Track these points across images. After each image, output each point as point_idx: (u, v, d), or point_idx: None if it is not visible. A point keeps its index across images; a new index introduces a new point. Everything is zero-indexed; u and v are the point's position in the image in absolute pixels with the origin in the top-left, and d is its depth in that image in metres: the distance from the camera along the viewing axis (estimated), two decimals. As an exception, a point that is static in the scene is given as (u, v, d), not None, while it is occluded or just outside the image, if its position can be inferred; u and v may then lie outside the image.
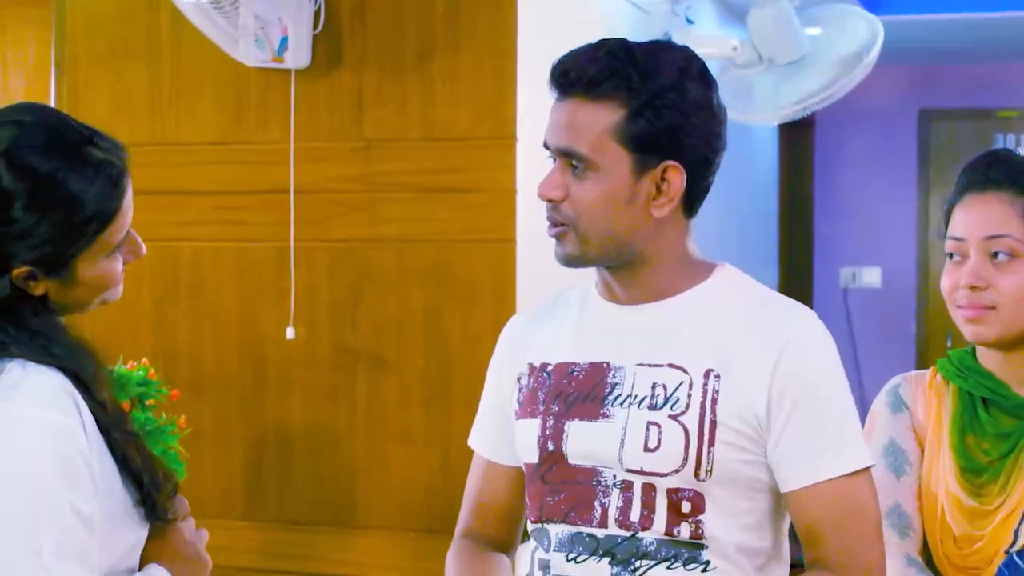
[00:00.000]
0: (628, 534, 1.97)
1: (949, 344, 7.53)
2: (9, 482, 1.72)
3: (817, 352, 1.99)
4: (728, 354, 1.97)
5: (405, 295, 3.86)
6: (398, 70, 3.85)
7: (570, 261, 2.02)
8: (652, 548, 1.96)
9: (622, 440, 1.97)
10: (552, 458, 2.03)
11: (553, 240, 2.04)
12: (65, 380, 1.79)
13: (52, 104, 3.95)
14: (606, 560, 1.98)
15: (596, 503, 1.99)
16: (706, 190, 2.04)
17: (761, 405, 1.95)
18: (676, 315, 2.02)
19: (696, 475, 1.95)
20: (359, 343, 3.91)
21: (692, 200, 2.03)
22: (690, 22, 4.81)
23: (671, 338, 2.01)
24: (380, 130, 3.88)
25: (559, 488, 2.03)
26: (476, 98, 3.79)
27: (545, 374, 2.08)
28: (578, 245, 2.00)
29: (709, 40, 4.52)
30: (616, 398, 2.00)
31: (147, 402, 3.39)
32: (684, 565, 1.96)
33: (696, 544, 1.96)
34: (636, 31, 4.48)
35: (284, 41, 3.79)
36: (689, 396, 1.96)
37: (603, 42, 2.00)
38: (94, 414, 1.81)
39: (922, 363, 7.67)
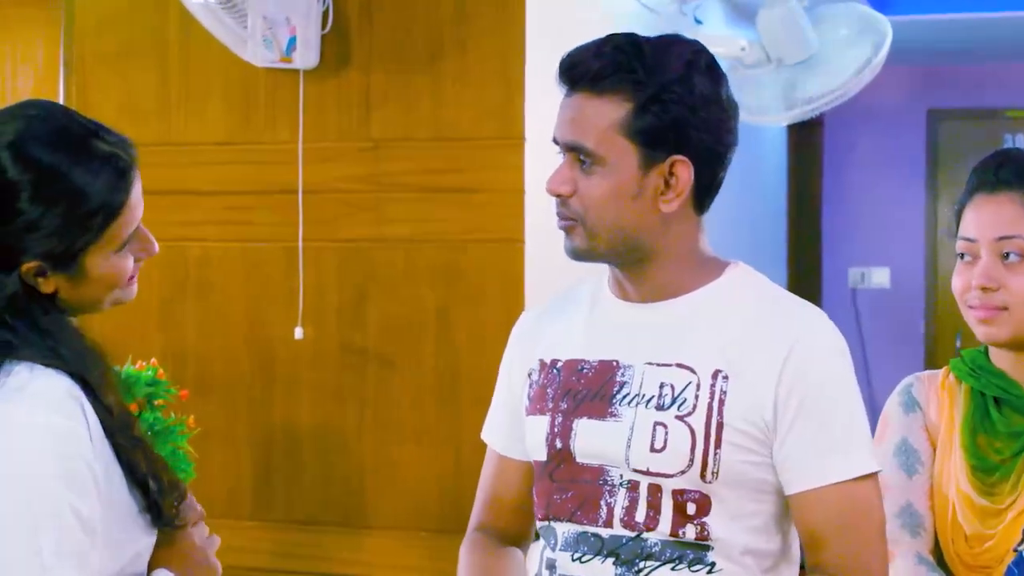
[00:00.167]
0: (632, 535, 1.96)
1: (959, 344, 7.53)
2: (9, 482, 1.72)
3: (827, 352, 1.98)
4: (737, 353, 1.96)
5: (414, 295, 3.86)
6: (406, 70, 3.85)
7: (578, 255, 2.01)
8: (656, 549, 1.95)
9: (629, 440, 1.96)
10: (560, 456, 2.03)
11: (561, 240, 2.03)
12: (72, 384, 1.78)
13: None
14: (610, 560, 1.97)
15: (602, 502, 1.98)
16: (717, 186, 2.03)
17: (768, 405, 1.93)
18: (687, 314, 2.01)
19: (702, 476, 1.94)
20: (368, 343, 3.91)
21: (702, 196, 2.01)
22: (698, 22, 4.80)
23: (681, 337, 1.99)
24: (388, 130, 3.88)
25: (566, 486, 2.02)
26: (484, 98, 3.79)
27: (555, 370, 2.07)
28: (586, 239, 1.99)
29: (717, 40, 4.51)
30: (624, 397, 1.99)
31: (156, 402, 3.40)
32: (689, 566, 1.94)
33: (702, 545, 1.94)
34: (645, 31, 4.47)
35: (292, 41, 3.79)
36: (696, 397, 1.95)
37: (611, 36, 1.99)
38: (100, 418, 1.80)
39: (931, 363, 7.65)
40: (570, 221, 2.00)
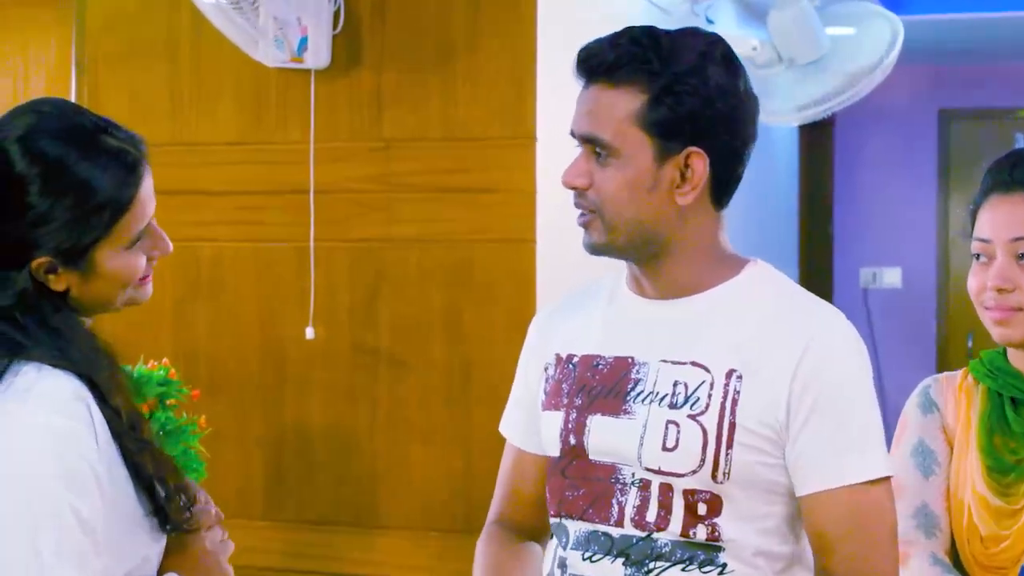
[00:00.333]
0: (643, 534, 1.94)
1: (970, 344, 7.51)
2: (10, 482, 1.71)
3: (842, 352, 1.96)
4: (753, 352, 1.94)
5: (425, 295, 3.86)
6: (418, 70, 3.85)
7: (596, 250, 2.00)
8: (667, 549, 1.93)
9: (641, 438, 1.95)
10: (573, 452, 2.02)
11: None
12: (79, 385, 1.78)
13: (73, 104, 3.96)
14: (620, 561, 1.96)
15: (614, 501, 1.97)
16: (736, 180, 2.01)
17: (782, 404, 1.91)
18: (703, 311, 1.99)
19: (713, 477, 1.92)
20: (379, 343, 3.91)
21: (720, 189, 1.99)
22: (710, 22, 4.80)
23: (696, 335, 1.98)
24: (399, 130, 3.88)
25: (578, 484, 2.01)
26: (495, 98, 3.78)
27: (571, 365, 2.06)
28: (604, 233, 1.97)
29: (728, 40, 4.50)
30: (639, 394, 1.98)
31: (168, 402, 3.40)
32: (700, 568, 1.93)
33: (713, 546, 1.93)
34: (656, 31, 4.46)
35: (304, 41, 3.80)
36: (710, 396, 1.93)
37: (629, 28, 1.98)
38: (107, 420, 1.79)
39: (943, 363, 7.64)
40: (588, 214, 1.98)
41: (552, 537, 2.09)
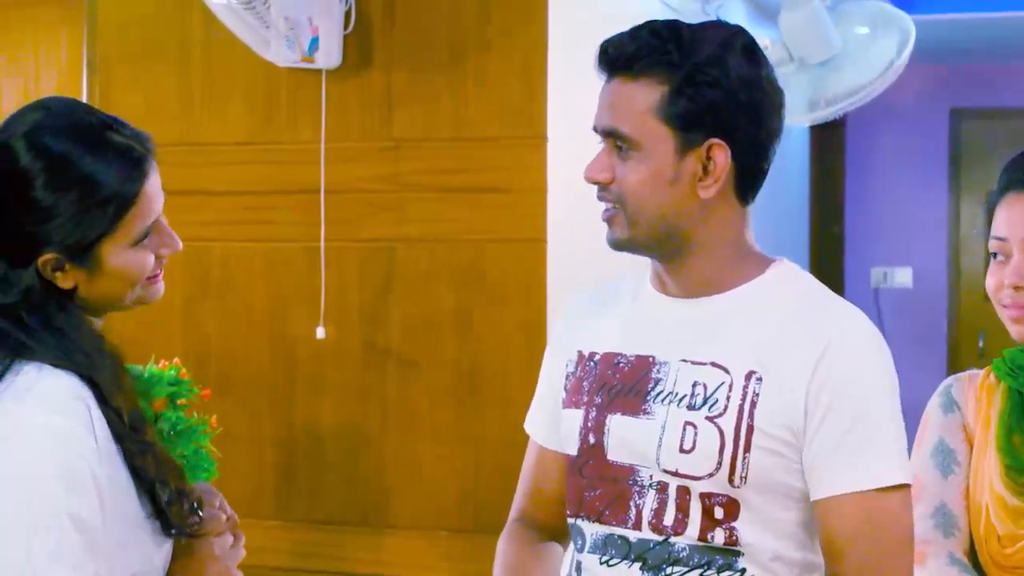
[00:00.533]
0: (660, 539, 1.92)
1: (981, 344, 7.49)
2: (9, 482, 1.71)
3: (863, 353, 1.91)
4: (772, 353, 1.90)
5: (435, 295, 3.86)
6: (428, 70, 3.85)
7: (619, 245, 1.97)
8: (684, 554, 1.91)
9: (660, 439, 1.92)
10: (591, 452, 1.99)
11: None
12: (80, 385, 1.78)
13: (84, 104, 3.96)
14: (637, 565, 1.93)
15: (631, 503, 1.95)
16: (760, 173, 1.98)
17: (799, 405, 1.88)
18: (726, 311, 1.97)
19: (730, 480, 1.89)
20: (389, 343, 3.91)
21: (744, 184, 1.97)
22: (720, 21, 4.79)
23: (717, 335, 1.95)
24: (410, 130, 3.88)
25: (595, 484, 1.99)
26: (506, 98, 3.78)
27: (592, 363, 2.04)
28: (627, 228, 1.95)
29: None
30: (658, 394, 1.95)
31: (179, 401, 3.40)
32: (718, 572, 1.90)
33: (731, 551, 1.90)
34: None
35: (315, 41, 3.80)
36: (728, 398, 1.90)
37: (649, 22, 1.95)
38: (108, 421, 1.79)
39: (953, 363, 7.62)
40: (612, 209, 1.96)
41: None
